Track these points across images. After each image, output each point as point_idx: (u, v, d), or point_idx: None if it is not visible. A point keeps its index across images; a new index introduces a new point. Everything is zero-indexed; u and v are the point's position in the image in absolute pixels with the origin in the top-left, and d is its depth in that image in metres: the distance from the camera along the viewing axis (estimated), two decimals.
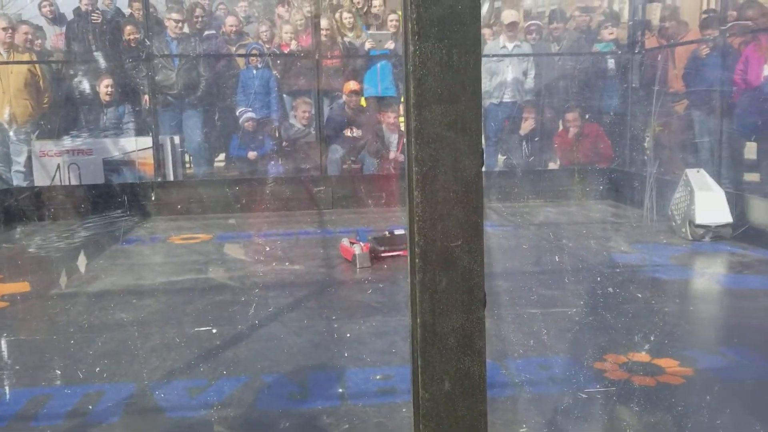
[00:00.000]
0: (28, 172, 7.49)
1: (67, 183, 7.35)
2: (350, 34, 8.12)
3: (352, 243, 5.11)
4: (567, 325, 3.69)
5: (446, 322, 1.07)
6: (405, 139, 1.07)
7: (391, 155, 7.76)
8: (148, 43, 7.34)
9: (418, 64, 0.99)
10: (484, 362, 1.09)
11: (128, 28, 7.74)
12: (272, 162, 7.87)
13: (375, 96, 7.92)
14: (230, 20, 8.27)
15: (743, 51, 6.47)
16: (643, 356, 3.23)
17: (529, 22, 8.44)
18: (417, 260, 1.04)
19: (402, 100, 7.45)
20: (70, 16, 8.07)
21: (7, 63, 7.37)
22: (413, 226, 1.04)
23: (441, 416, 1.08)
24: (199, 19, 8.03)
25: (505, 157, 8.34)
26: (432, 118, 1.01)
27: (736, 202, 5.69)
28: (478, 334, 1.08)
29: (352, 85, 7.77)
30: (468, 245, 1.05)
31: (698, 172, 5.80)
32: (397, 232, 5.30)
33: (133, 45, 7.64)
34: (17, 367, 3.31)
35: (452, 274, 1.06)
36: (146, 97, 7.63)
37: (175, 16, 7.70)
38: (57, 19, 8.29)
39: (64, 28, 8.11)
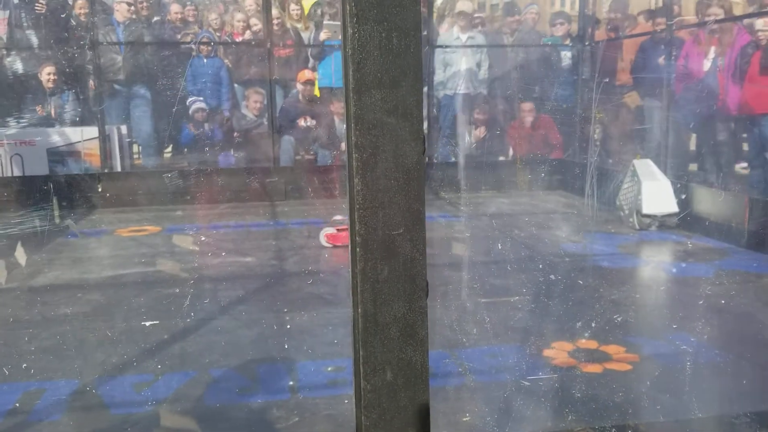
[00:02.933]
0: None
1: (9, 174, 7.09)
2: (299, 26, 8.01)
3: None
4: (517, 313, 3.73)
5: (388, 311, 1.05)
6: (345, 125, 1.04)
7: (343, 146, 7.69)
8: (87, 24, 7.12)
9: (357, 48, 0.97)
10: (426, 352, 1.07)
11: (79, 2, 7.49)
12: (223, 153, 7.73)
13: (329, 87, 7.85)
14: (174, 8, 8.07)
15: (684, 45, 6.63)
16: (590, 343, 3.28)
17: (477, 15, 8.45)
18: (358, 249, 1.02)
19: None
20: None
21: None
22: (354, 215, 1.02)
23: (383, 406, 1.06)
24: (144, 4, 7.80)
25: (456, 148, 8.36)
26: (372, 104, 0.99)
27: (681, 192, 5.82)
28: (421, 324, 1.06)
29: (307, 74, 7.68)
30: (409, 233, 1.03)
31: (644, 161, 5.92)
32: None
33: (83, 19, 7.39)
34: None
35: (394, 263, 1.04)
36: (92, 84, 7.40)
37: None
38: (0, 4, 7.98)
39: (7, 14, 7.80)
